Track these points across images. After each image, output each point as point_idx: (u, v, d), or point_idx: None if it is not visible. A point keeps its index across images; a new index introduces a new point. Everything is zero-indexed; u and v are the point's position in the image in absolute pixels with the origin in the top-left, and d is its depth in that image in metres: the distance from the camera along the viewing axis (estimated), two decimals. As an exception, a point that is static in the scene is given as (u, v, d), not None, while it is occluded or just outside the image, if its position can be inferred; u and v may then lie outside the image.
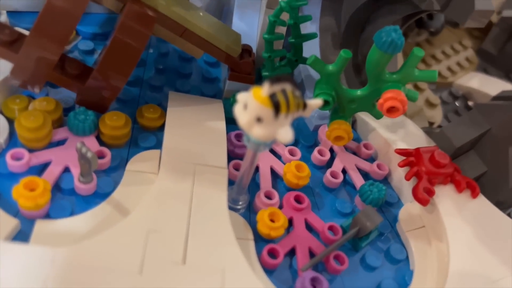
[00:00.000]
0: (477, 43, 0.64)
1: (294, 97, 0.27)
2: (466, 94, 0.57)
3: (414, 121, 0.47)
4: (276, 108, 0.26)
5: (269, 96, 0.26)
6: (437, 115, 0.50)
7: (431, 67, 0.56)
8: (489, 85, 0.57)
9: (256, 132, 0.27)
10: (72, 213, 0.32)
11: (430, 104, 0.51)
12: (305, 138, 0.43)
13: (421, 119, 0.48)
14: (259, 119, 0.27)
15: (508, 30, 0.62)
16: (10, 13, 0.43)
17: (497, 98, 0.53)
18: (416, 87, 0.51)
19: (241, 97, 0.28)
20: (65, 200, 0.32)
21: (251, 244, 0.33)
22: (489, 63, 0.63)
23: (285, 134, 0.27)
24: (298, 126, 0.44)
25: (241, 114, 0.27)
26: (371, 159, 0.43)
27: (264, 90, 0.26)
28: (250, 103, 0.26)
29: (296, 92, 0.27)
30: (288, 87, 0.27)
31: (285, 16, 0.38)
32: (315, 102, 0.29)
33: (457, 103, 0.56)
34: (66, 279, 0.25)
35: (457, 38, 0.63)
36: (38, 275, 0.25)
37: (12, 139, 0.35)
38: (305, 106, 0.28)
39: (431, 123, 0.49)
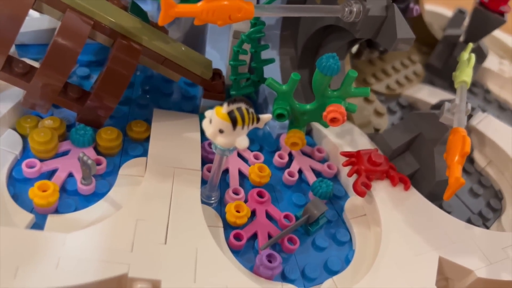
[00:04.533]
0: (425, 58, 0.72)
1: (248, 113, 0.35)
2: (412, 104, 0.65)
3: (363, 129, 0.55)
4: (233, 122, 0.34)
5: (228, 113, 0.34)
6: (383, 123, 0.58)
7: (381, 81, 0.65)
8: (432, 95, 0.65)
9: (219, 141, 0.35)
10: (76, 209, 0.39)
11: (378, 113, 0.59)
12: (269, 144, 0.51)
13: (369, 127, 0.56)
14: (221, 131, 0.35)
15: (450, 46, 0.70)
16: (18, 46, 0.51)
17: (435, 106, 0.62)
18: (367, 99, 0.59)
19: (207, 113, 0.36)
20: (70, 199, 0.40)
21: (221, 230, 0.41)
22: (435, 75, 0.71)
23: (242, 142, 0.35)
24: (264, 135, 0.53)
25: (207, 127, 0.35)
26: (323, 160, 0.51)
27: (223, 108, 0.34)
28: (214, 118, 0.35)
29: (250, 109, 0.35)
30: (243, 105, 0.35)
31: (247, 46, 0.46)
32: (266, 116, 0.37)
33: (403, 112, 0.64)
34: (75, 257, 0.33)
35: (407, 54, 0.71)
36: (53, 254, 0.33)
37: (25, 152, 0.43)
38: (258, 119, 0.37)
39: (376, 130, 0.57)
